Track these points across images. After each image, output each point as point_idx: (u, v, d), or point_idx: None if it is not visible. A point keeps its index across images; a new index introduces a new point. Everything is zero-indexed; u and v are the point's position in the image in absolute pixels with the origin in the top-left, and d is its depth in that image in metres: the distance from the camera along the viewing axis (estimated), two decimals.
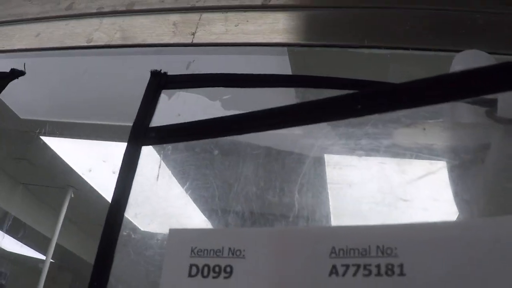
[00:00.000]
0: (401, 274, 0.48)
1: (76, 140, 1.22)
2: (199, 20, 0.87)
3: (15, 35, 1.02)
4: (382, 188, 0.56)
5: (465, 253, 0.48)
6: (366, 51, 0.76)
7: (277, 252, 0.55)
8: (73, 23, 0.97)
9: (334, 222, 0.58)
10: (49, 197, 1.75)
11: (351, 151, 0.60)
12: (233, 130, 0.64)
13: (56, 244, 1.79)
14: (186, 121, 0.70)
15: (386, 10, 0.78)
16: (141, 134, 0.69)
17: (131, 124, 0.72)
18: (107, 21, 0.94)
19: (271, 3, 0.84)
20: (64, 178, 1.45)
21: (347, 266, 0.51)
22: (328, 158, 0.61)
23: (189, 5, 0.89)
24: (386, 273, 0.49)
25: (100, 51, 0.92)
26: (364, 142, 0.60)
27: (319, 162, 0.60)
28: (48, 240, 1.81)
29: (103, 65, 0.93)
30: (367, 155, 0.59)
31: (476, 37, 0.75)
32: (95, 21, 0.95)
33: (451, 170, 0.59)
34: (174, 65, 0.83)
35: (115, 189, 0.66)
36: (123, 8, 0.94)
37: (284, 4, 0.84)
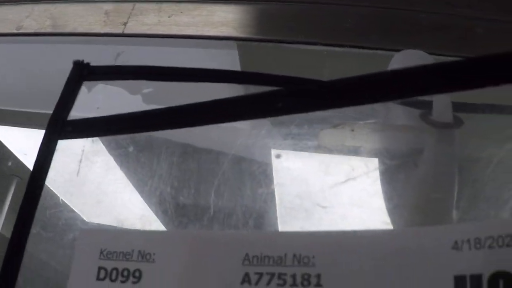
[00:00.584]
0: (318, 285, 0.43)
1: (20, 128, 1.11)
2: (132, 10, 0.78)
3: None
4: (302, 193, 0.48)
5: (387, 264, 0.42)
6: (301, 47, 0.68)
7: (188, 257, 0.49)
8: (5, 9, 0.86)
9: (250, 226, 0.50)
10: None
11: (273, 152, 0.51)
12: (150, 126, 0.56)
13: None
14: (105, 114, 0.61)
15: (327, 6, 0.70)
16: (57, 127, 0.60)
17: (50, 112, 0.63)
18: (39, 7, 0.84)
19: None
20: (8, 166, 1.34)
21: (261, 275, 0.45)
22: (248, 158, 0.52)
23: None
24: (302, 283, 0.43)
25: (30, 39, 0.82)
26: (288, 143, 0.52)
27: (238, 163, 0.51)
28: None
29: (32, 53, 0.83)
30: (291, 156, 0.50)
31: (419, 38, 0.67)
32: (27, 7, 0.85)
33: (381, 174, 0.52)
34: (104, 56, 0.73)
35: (28, 184, 0.57)
36: None
37: None
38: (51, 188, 0.62)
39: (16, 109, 0.93)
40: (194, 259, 0.48)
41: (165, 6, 0.78)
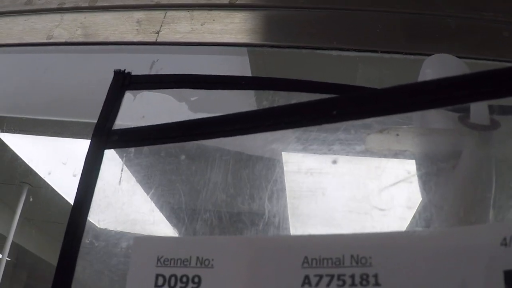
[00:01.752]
0: (376, 284, 0.45)
1: (35, 137, 1.14)
2: (163, 18, 0.80)
3: None
4: (356, 196, 0.51)
5: (440, 262, 0.46)
6: (334, 53, 0.71)
7: (247, 262, 0.51)
8: (33, 18, 0.89)
9: (307, 230, 0.53)
10: (5, 195, 1.65)
11: (323, 157, 0.55)
12: (200, 134, 0.59)
13: (12, 242, 1.70)
14: (150, 123, 0.64)
15: (358, 12, 0.73)
16: (103, 136, 0.63)
17: (91, 121, 0.66)
18: (68, 17, 0.87)
19: (238, 2, 0.78)
20: (22, 176, 1.36)
21: (321, 277, 0.48)
22: (300, 164, 0.56)
23: (154, 2, 0.83)
24: (361, 283, 0.45)
25: (61, 48, 0.84)
26: (336, 148, 0.55)
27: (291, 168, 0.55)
28: (4, 239, 1.72)
29: (64, 62, 0.85)
30: (340, 161, 0.54)
31: (447, 41, 0.71)
32: (56, 17, 0.87)
33: (424, 176, 0.55)
34: (137, 64, 0.76)
35: (77, 194, 0.60)
36: (86, 4, 0.86)
37: (252, 4, 0.78)
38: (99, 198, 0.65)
39: (44, 118, 0.95)
40: (253, 264, 0.50)
41: (196, 14, 0.81)
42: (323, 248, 0.49)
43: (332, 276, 0.46)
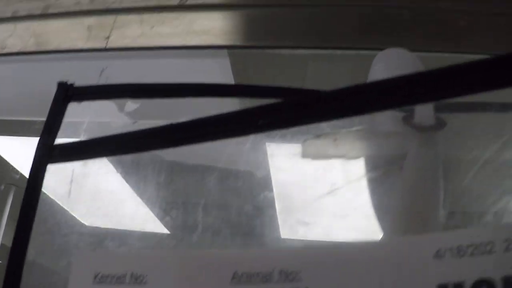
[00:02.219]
0: None
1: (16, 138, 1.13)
2: (114, 23, 0.78)
3: None
4: (286, 207, 0.49)
5: (371, 275, 0.44)
6: (285, 51, 0.69)
7: (179, 277, 0.50)
8: None
9: (237, 244, 0.51)
10: None
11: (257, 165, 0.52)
12: (136, 147, 0.57)
13: (1, 244, 1.71)
14: (93, 133, 0.63)
15: (309, 8, 0.71)
16: (46, 151, 0.61)
17: None
18: (21, 26, 0.85)
19: (188, 3, 0.76)
20: (7, 178, 1.36)
21: None
22: (233, 175, 0.54)
23: (104, 7, 0.81)
24: None
25: (14, 58, 0.83)
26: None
27: (225, 178, 0.53)
28: None
29: (17, 72, 0.84)
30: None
31: (402, 34, 0.68)
32: (9, 26, 0.86)
33: (367, 182, 0.53)
34: (89, 71, 0.75)
35: (21, 210, 0.58)
36: (39, 12, 0.84)
37: (202, 4, 0.75)
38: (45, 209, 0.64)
39: (11, 118, 0.94)
40: (184, 279, 0.50)
41: (146, 17, 0.79)
42: (252, 263, 0.47)
43: None
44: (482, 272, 0.39)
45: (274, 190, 0.51)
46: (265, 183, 0.52)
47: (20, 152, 1.27)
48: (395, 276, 0.42)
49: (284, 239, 0.49)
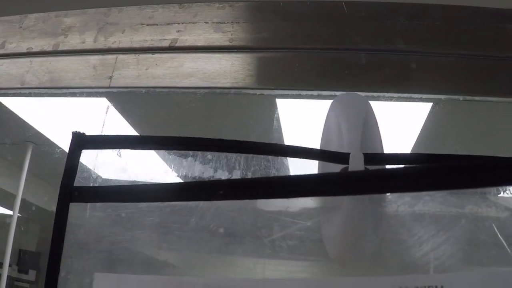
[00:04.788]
0: None
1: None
2: (115, 63, 0.96)
3: None
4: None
5: None
6: (258, 92, 0.86)
7: None
8: (6, 63, 1.06)
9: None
10: (10, 154, 1.89)
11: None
12: (136, 198, 0.76)
13: (22, 199, 1.97)
14: (106, 178, 0.82)
15: (276, 52, 0.87)
16: (67, 192, 0.81)
17: None
18: (36, 62, 1.03)
19: (177, 44, 0.93)
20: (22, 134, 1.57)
21: None
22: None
23: (106, 47, 0.98)
24: None
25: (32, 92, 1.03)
26: None
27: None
28: (13, 196, 2.00)
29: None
30: None
31: (358, 76, 0.84)
32: (26, 62, 1.05)
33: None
34: (97, 107, 0.94)
35: (52, 242, 0.79)
36: (50, 49, 1.03)
37: (189, 46, 0.92)
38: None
39: None
40: None
41: (142, 58, 0.96)
42: None
43: None
44: None
45: None
46: None
47: (36, 111, 1.47)
48: None
49: None
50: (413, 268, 0.65)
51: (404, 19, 0.87)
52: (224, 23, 0.93)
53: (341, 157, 0.75)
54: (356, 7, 0.89)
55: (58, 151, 1.70)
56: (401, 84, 0.84)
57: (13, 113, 1.46)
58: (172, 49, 0.95)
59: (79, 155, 0.85)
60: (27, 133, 1.58)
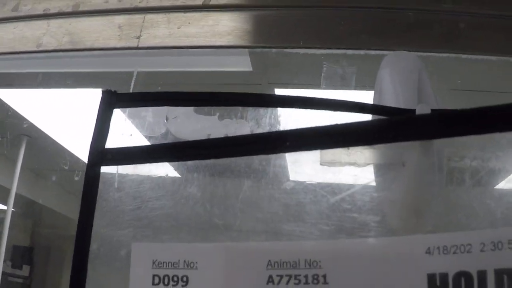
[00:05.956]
0: (325, 283, 0.61)
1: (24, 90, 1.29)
2: (143, 22, 0.92)
3: None
4: (313, 210, 0.65)
5: (377, 267, 0.61)
6: (301, 51, 0.83)
7: (224, 264, 0.67)
8: (21, 26, 1.02)
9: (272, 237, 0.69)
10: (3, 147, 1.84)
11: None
12: (179, 156, 0.73)
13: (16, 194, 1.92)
14: (138, 138, 0.79)
15: (321, 10, 0.84)
16: (98, 155, 0.77)
17: None
18: (54, 23, 0.99)
19: (211, 3, 0.90)
20: (16, 127, 1.53)
21: (281, 277, 0.63)
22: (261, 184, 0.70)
23: (132, 6, 0.94)
24: (313, 282, 0.61)
25: (50, 55, 0.98)
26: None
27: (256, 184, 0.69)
28: (7, 191, 1.94)
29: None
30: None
31: (407, 35, 0.81)
32: (42, 24, 1.00)
33: (376, 185, 0.69)
34: (123, 67, 0.90)
35: (81, 209, 0.74)
36: (69, 10, 0.98)
37: (225, 4, 0.89)
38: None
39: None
40: (228, 265, 0.67)
41: (173, 16, 0.92)
42: (283, 253, 0.65)
43: (290, 276, 0.62)
44: (462, 267, 0.57)
45: None
46: None
47: (29, 103, 1.43)
48: (395, 266, 0.60)
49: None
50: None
51: None
52: None
53: (401, 112, 0.72)
54: None
55: (53, 144, 1.66)
56: (449, 44, 0.82)
57: (7, 105, 1.41)
58: (206, 7, 0.91)
59: (111, 114, 0.81)
60: (21, 126, 1.53)
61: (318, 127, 0.61)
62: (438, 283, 0.57)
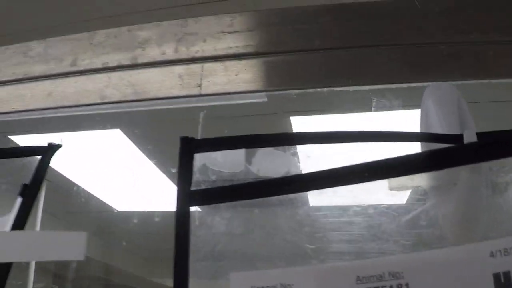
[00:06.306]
0: None
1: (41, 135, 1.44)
2: (201, 71, 1.10)
3: (26, 94, 1.24)
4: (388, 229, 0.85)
5: (450, 272, 0.78)
6: (350, 88, 1.02)
7: (318, 283, 0.83)
8: (82, 80, 1.19)
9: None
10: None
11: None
12: (261, 193, 0.90)
13: None
14: (218, 179, 0.96)
15: (365, 50, 1.03)
16: (185, 197, 0.94)
17: None
18: (115, 76, 1.16)
19: (261, 50, 1.08)
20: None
21: None
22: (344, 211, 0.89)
23: (190, 56, 1.12)
24: None
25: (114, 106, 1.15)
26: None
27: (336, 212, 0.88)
28: None
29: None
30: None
31: (442, 67, 1.01)
32: (103, 77, 1.17)
33: (433, 203, 0.88)
34: (186, 115, 1.08)
35: (176, 247, 0.89)
36: (128, 62, 1.16)
37: (275, 51, 1.08)
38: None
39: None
40: (322, 284, 0.83)
41: (229, 64, 1.11)
42: (369, 268, 0.82)
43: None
44: None
45: None
46: None
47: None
48: (465, 270, 0.77)
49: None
50: None
51: (474, 10, 1.04)
52: (307, 24, 1.09)
53: (447, 138, 0.92)
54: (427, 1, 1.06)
55: (74, 187, 1.81)
56: (479, 72, 1.02)
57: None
58: (259, 54, 1.10)
59: (192, 159, 0.98)
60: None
61: (386, 160, 0.80)
62: (502, 280, 0.75)
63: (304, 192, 0.82)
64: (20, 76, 1.25)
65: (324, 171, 0.84)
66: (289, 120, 1.26)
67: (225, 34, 1.09)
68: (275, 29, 1.09)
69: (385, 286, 0.79)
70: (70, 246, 0.80)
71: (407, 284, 0.78)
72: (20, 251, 0.82)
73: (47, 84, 1.21)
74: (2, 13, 1.25)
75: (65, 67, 1.20)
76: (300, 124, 1.37)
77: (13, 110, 1.23)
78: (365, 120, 1.00)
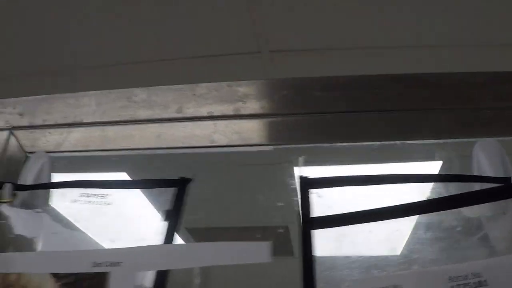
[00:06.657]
0: (486, 285, 1.17)
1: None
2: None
3: (135, 135, 1.57)
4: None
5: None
6: (398, 142, 1.46)
7: (421, 284, 1.24)
8: (190, 125, 1.53)
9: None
10: None
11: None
12: (365, 219, 1.31)
13: None
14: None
15: (426, 111, 1.47)
16: (308, 223, 1.31)
17: None
18: (220, 124, 1.51)
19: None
20: None
21: (459, 285, 1.22)
22: None
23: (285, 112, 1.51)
24: (476, 286, 1.18)
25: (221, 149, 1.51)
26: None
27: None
28: None
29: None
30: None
31: (488, 126, 1.46)
32: (209, 124, 1.51)
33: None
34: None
35: (303, 267, 1.26)
36: (231, 113, 1.52)
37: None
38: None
39: None
40: (423, 283, 1.26)
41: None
42: (458, 270, 1.24)
43: (464, 284, 1.22)
44: None
45: None
46: None
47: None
48: None
49: None
50: None
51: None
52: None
53: (496, 180, 1.37)
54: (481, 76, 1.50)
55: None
56: None
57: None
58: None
59: (308, 194, 1.37)
60: None
61: (456, 195, 1.24)
62: None
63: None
64: (126, 118, 1.53)
65: (425, 200, 1.27)
66: None
67: None
68: None
69: (469, 283, 1.20)
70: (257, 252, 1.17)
71: (485, 281, 1.20)
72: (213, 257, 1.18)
73: (155, 127, 1.51)
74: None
75: (171, 113, 1.49)
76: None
77: (123, 147, 1.52)
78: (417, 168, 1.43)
